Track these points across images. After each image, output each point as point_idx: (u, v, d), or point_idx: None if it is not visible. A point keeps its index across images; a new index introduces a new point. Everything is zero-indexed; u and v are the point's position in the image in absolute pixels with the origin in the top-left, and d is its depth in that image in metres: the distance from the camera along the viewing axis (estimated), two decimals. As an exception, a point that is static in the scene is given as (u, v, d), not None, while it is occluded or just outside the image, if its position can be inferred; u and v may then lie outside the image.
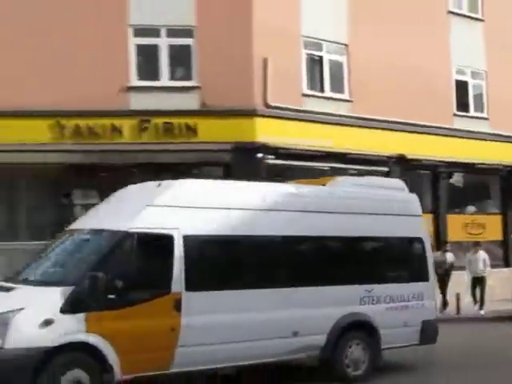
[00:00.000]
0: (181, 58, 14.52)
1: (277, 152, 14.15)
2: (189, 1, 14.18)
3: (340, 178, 9.16)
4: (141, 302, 6.37)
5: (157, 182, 7.49)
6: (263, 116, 14.23)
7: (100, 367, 6.08)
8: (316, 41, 15.45)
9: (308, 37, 15.20)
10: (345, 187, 8.59)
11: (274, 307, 7.08)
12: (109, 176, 13.46)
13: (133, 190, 7.78)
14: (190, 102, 14.16)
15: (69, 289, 6.01)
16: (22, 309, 5.90)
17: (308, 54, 15.41)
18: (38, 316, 5.88)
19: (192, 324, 6.49)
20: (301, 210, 7.64)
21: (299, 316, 7.20)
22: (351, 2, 15.67)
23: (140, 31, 14.27)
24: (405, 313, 8.14)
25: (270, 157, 14.06)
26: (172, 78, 14.54)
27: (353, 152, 15.24)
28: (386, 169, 15.76)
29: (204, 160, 14.15)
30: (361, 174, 13.03)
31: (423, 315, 8.36)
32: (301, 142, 14.32)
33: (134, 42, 14.16)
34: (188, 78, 14.53)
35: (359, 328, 7.80)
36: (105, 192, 8.68)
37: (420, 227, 8.78)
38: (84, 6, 13.53)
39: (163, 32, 14.33)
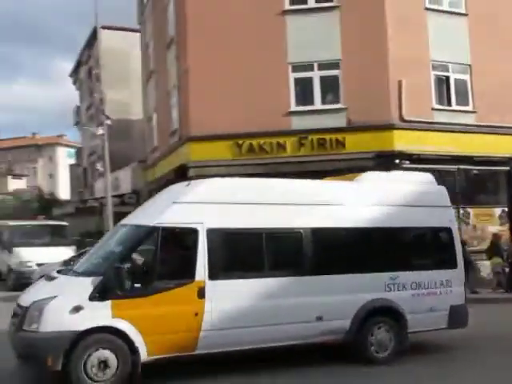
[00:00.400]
0: (330, 86, 17.24)
1: (411, 158, 16.30)
2: (335, 40, 16.85)
3: (366, 174, 9.13)
4: (166, 289, 6.72)
5: (186, 182, 7.98)
6: (399, 128, 16.50)
7: (127, 349, 6.44)
8: (443, 63, 17.69)
9: (435, 60, 17.44)
10: (370, 182, 8.69)
11: (297, 294, 7.25)
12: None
13: (170, 189, 8.28)
14: (339, 120, 16.86)
15: (97, 279, 6.49)
16: (55, 297, 6.45)
17: (436, 75, 17.63)
18: (68, 303, 6.35)
19: (215, 310, 6.81)
20: (323, 204, 7.83)
21: (322, 302, 7.36)
22: (472, 28, 17.72)
23: (297, 67, 17.24)
24: (432, 298, 8.15)
25: (405, 162, 16.25)
26: (323, 102, 17.27)
27: (477, 155, 17.12)
28: (507, 168, 17.62)
29: (351, 167, 16.71)
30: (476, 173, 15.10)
31: (451, 300, 8.29)
32: (432, 148, 16.36)
33: (292, 76, 17.20)
34: (336, 101, 17.14)
35: (384, 313, 7.84)
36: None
37: (448, 218, 8.72)
38: (255, 50, 16.77)
39: (315, 66, 17.24)
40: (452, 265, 8.56)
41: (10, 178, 45.04)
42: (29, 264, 16.17)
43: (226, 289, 6.99)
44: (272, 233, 7.53)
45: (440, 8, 17.66)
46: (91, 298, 6.37)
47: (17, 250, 17.17)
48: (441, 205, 8.73)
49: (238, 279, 7.15)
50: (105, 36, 23.45)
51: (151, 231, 6.98)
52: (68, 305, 6.34)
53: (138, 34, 26.88)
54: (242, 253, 7.54)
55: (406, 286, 8.05)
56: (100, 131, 22.53)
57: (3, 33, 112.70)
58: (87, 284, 6.48)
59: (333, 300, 7.44)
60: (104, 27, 22.94)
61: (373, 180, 8.80)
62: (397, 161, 16.20)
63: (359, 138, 16.54)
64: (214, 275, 6.93)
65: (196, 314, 6.77)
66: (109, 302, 6.45)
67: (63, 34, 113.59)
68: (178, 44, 18.71)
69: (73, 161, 51.42)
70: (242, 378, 7.01)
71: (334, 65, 17.11)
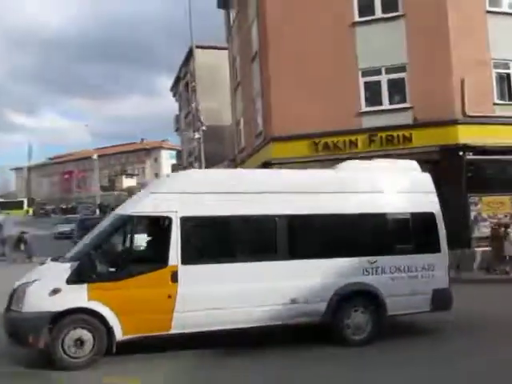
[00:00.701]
0: (397, 88, 17.34)
1: (474, 149, 16.08)
2: (401, 45, 16.91)
3: (347, 162, 8.77)
4: (141, 273, 6.55)
5: (168, 174, 7.54)
6: (463, 123, 16.30)
7: (103, 328, 6.34)
8: (503, 61, 17.25)
9: (496, 59, 17.03)
10: (349, 170, 8.26)
11: (270, 278, 6.90)
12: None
13: (152, 181, 8.79)
14: (406, 118, 16.89)
15: (74, 264, 6.40)
16: (35, 280, 6.42)
17: (497, 73, 17.21)
18: (48, 286, 6.28)
19: (188, 293, 6.57)
20: (297, 192, 7.37)
21: (297, 286, 7.00)
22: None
23: (366, 72, 17.52)
24: (413, 282, 7.57)
25: (469, 154, 16.10)
26: (391, 102, 17.39)
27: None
28: None
29: (417, 159, 16.53)
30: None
31: (434, 284, 7.70)
32: (494, 140, 15.91)
33: (362, 80, 17.51)
34: (403, 101, 17.19)
35: (361, 296, 7.39)
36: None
37: (432, 203, 8.03)
38: (328, 58, 17.10)
39: (383, 71, 17.41)
40: (435, 249, 7.91)
41: (123, 177, 47.98)
42: None
43: (199, 273, 6.73)
44: (245, 220, 7.14)
45: (500, 10, 17.29)
46: (68, 282, 6.29)
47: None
48: (423, 191, 8.08)
49: (210, 264, 6.84)
50: (199, 54, 24.55)
51: (127, 219, 6.91)
52: (48, 287, 6.28)
53: (226, 51, 27.78)
54: (215, 239, 7.24)
55: (385, 270, 7.50)
56: (196, 135, 23.77)
57: (120, 58, 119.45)
58: (66, 269, 6.41)
59: (307, 284, 7.06)
60: (198, 47, 24.00)
61: (352, 168, 8.38)
62: (460, 153, 16.08)
63: (425, 133, 16.38)
64: (186, 260, 6.68)
65: (169, 297, 6.56)
66: (85, 286, 6.34)
67: (164, 55, 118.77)
68: (261, 57, 19.43)
69: (174, 161, 53.63)
70: (221, 356, 6.86)
71: (401, 68, 17.19)
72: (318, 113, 16.55)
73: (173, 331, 6.63)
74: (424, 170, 15.81)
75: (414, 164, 8.54)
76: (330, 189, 7.59)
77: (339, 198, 7.53)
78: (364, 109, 17.34)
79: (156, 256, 6.92)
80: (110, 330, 6.37)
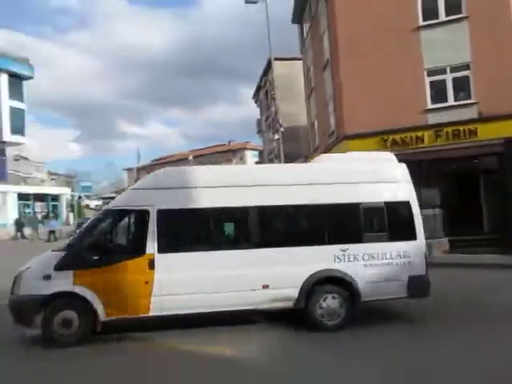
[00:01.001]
0: (461, 85, 16.87)
1: None
2: (465, 45, 16.39)
3: (322, 156, 8.62)
4: (120, 261, 6.58)
5: (154, 172, 7.62)
6: None
7: (88, 310, 6.43)
8: None
9: None
10: (323, 162, 7.99)
11: (242, 265, 6.77)
12: (416, 169, 15.94)
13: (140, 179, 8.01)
14: (471, 113, 16.38)
15: (61, 253, 6.61)
16: (29, 267, 6.63)
17: None
18: (40, 272, 6.46)
19: (164, 279, 6.57)
20: (268, 184, 7.12)
21: (268, 272, 6.81)
22: None
23: (431, 72, 17.19)
24: (387, 269, 7.12)
25: None
26: (456, 99, 16.91)
27: None
28: None
29: (482, 152, 15.87)
30: None
31: (409, 271, 7.21)
32: None
33: (428, 79, 17.20)
34: (467, 97, 16.73)
35: (333, 283, 7.01)
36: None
37: (407, 192, 7.53)
38: (395, 61, 16.84)
39: (448, 70, 16.98)
40: (410, 237, 7.36)
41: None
42: None
43: (174, 261, 6.68)
44: (215, 212, 7.07)
45: None
46: (56, 269, 6.45)
47: None
48: (399, 180, 7.58)
49: (184, 252, 6.79)
50: (277, 66, 24.94)
51: (109, 213, 7.04)
52: (39, 273, 6.48)
53: (300, 62, 27.95)
54: (189, 230, 7.18)
55: (358, 257, 7.08)
56: (276, 136, 24.21)
57: (208, 72, 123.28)
58: (56, 257, 6.60)
59: (278, 270, 6.83)
60: (276, 59, 24.35)
61: (327, 160, 8.16)
62: (525, 144, 15.66)
63: (490, 126, 15.85)
64: (162, 249, 6.68)
65: (146, 282, 6.57)
66: (71, 272, 6.46)
67: (246, 68, 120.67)
68: (332, 65, 19.57)
69: (257, 159, 54.55)
70: (202, 335, 6.83)
71: (465, 67, 16.80)
72: (386, 111, 16.51)
73: (151, 313, 6.67)
74: (489, 161, 15.66)
75: (389, 155, 8.16)
76: (301, 181, 7.28)
77: (310, 189, 7.19)
78: (430, 106, 17.08)
79: (135, 245, 6.96)
80: (94, 312, 6.52)
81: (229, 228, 7.46)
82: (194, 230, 7.18)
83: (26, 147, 41.18)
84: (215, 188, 6.98)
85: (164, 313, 6.69)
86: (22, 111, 40.61)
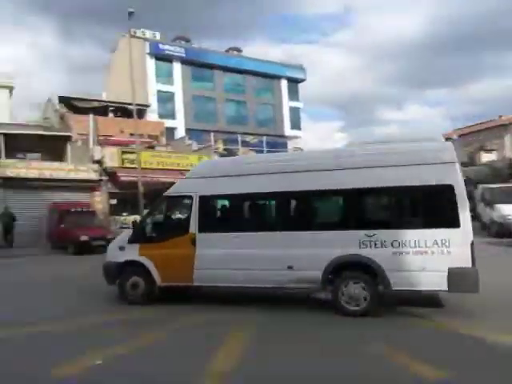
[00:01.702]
0: None
1: None
2: None
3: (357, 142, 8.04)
4: (170, 237, 7.74)
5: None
6: None
7: (149, 276, 7.71)
8: None
9: None
10: (357, 146, 7.54)
11: (270, 246, 7.11)
12: None
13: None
14: None
15: (131, 231, 8.24)
16: (113, 240, 8.75)
17: None
18: (118, 244, 8.20)
19: (202, 254, 7.42)
20: (298, 171, 7.18)
21: (293, 254, 6.97)
22: None
23: None
24: (422, 258, 6.41)
25: None
26: None
27: None
28: None
29: None
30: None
31: (449, 262, 6.31)
32: None
33: None
34: None
35: (357, 268, 6.74)
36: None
37: (451, 174, 6.52)
38: None
39: None
40: (452, 224, 6.41)
41: (482, 152, 45.86)
42: (508, 217, 17.06)
43: (211, 239, 7.47)
44: (249, 197, 7.70)
45: None
46: (128, 242, 8.01)
47: (498, 206, 18.23)
48: (442, 161, 6.63)
49: (220, 232, 7.53)
50: None
51: (164, 198, 8.20)
52: (118, 245, 8.19)
53: None
54: (224, 213, 8.12)
55: (386, 243, 6.57)
56: None
57: (475, 45, 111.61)
58: (129, 233, 8.19)
59: (302, 253, 6.92)
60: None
61: (361, 144, 7.66)
62: None
63: None
64: (202, 229, 7.54)
65: (190, 257, 7.47)
66: (137, 245, 7.92)
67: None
68: None
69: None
70: (236, 310, 7.24)
71: None
72: None
73: (195, 283, 7.59)
74: None
75: (435, 134, 7.69)
76: (327, 166, 7.14)
77: (337, 174, 7.01)
78: None
79: (182, 225, 7.87)
80: (150, 279, 7.80)
81: (259, 211, 8.02)
82: (229, 213, 8.04)
83: (301, 140, 47.87)
84: (248, 176, 7.49)
85: (204, 284, 7.66)
86: (298, 109, 47.89)
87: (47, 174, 21.22)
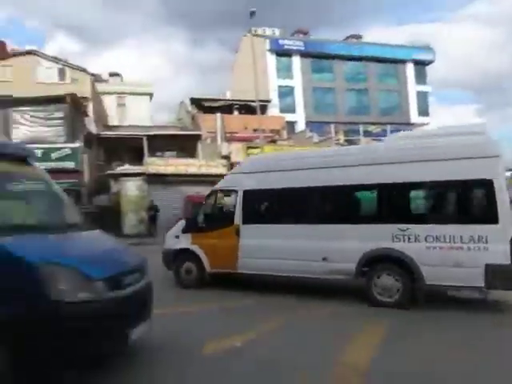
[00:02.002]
0: None
1: None
2: None
3: (398, 134, 8.69)
4: (218, 228, 8.36)
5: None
6: None
7: (198, 262, 8.46)
8: None
9: None
10: (397, 140, 7.57)
11: (306, 238, 7.45)
12: None
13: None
14: None
15: (185, 221, 9.01)
16: (171, 228, 9.23)
17: None
18: (174, 233, 8.92)
19: (245, 244, 8.00)
20: (331, 166, 7.45)
21: (327, 246, 7.24)
22: None
23: None
24: (457, 253, 6.30)
25: None
26: None
27: None
28: None
29: None
30: None
31: (486, 258, 6.16)
32: None
33: None
34: None
35: (390, 261, 6.83)
36: None
37: (492, 169, 6.28)
38: None
39: None
40: (490, 220, 6.23)
41: None
42: None
43: (253, 230, 7.98)
44: (287, 191, 7.90)
45: None
46: (182, 232, 8.77)
47: None
48: (482, 156, 6.35)
49: (261, 224, 7.99)
50: None
51: (213, 192, 8.82)
52: (174, 234, 8.94)
53: None
54: (265, 206, 8.49)
55: (419, 238, 6.59)
56: None
57: None
58: (183, 223, 8.92)
59: (337, 245, 7.18)
60: None
61: (401, 138, 7.66)
62: None
63: None
64: (245, 221, 8.09)
65: (234, 246, 8.05)
66: (189, 235, 8.66)
67: None
68: None
69: None
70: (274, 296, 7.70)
71: None
72: None
73: (239, 271, 8.12)
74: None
75: (480, 127, 6.95)
76: (362, 161, 7.29)
77: (367, 170, 7.16)
78: None
79: (228, 217, 8.39)
80: (201, 265, 8.47)
81: (296, 205, 8.06)
82: (269, 206, 8.46)
83: (429, 127, 44.69)
84: (286, 171, 7.92)
85: (247, 271, 8.11)
86: (426, 94, 44.54)
87: (182, 170, 23.17)
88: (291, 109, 39.52)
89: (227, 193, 8.91)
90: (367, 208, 7.58)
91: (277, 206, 8.34)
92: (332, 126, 30.28)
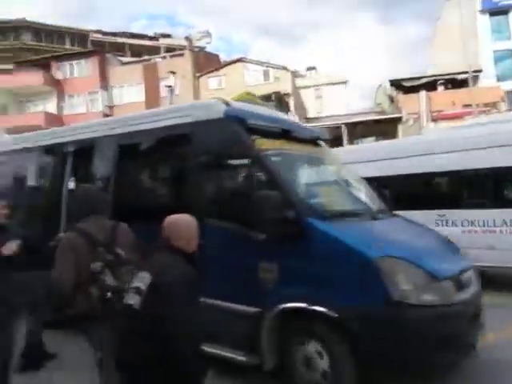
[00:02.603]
0: None
1: None
2: None
3: (467, 120, 9.48)
4: None
5: None
6: None
7: None
8: None
9: None
10: (467, 127, 8.14)
11: None
12: None
13: None
14: None
15: None
16: None
17: None
18: None
19: None
20: (377, 159, 8.00)
21: None
22: None
23: None
24: (490, 236, 6.80)
25: None
26: None
27: None
28: None
29: None
30: None
31: None
32: None
33: None
34: None
35: None
36: None
37: None
38: None
39: None
40: None
41: None
42: None
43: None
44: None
45: None
46: None
47: None
48: None
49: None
50: None
51: None
52: None
53: None
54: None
55: (456, 223, 7.15)
56: None
57: None
58: None
59: None
60: None
61: (470, 125, 8.21)
62: None
63: None
64: None
65: None
66: None
67: None
68: None
69: None
70: None
71: None
72: None
73: None
74: None
75: None
76: (408, 152, 7.83)
77: (414, 158, 7.63)
78: None
79: None
80: None
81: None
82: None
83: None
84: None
85: None
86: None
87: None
88: (511, 75, 33.84)
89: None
90: (413, 196, 7.70)
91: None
92: None
